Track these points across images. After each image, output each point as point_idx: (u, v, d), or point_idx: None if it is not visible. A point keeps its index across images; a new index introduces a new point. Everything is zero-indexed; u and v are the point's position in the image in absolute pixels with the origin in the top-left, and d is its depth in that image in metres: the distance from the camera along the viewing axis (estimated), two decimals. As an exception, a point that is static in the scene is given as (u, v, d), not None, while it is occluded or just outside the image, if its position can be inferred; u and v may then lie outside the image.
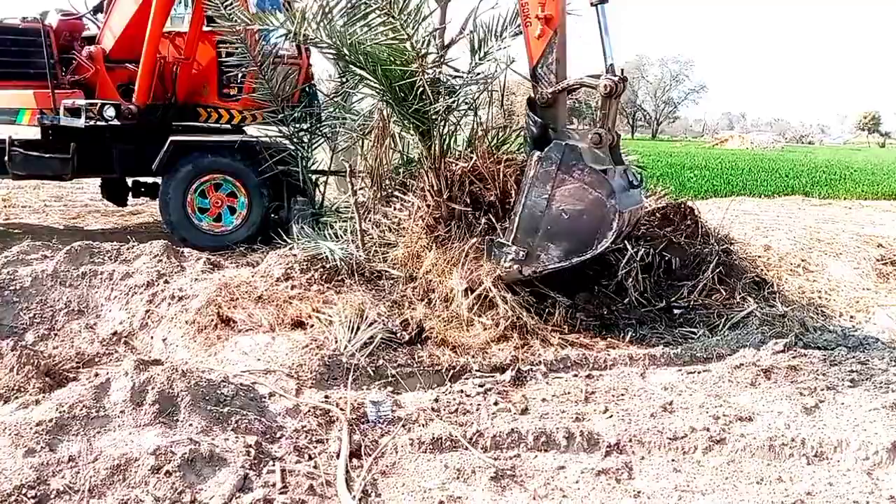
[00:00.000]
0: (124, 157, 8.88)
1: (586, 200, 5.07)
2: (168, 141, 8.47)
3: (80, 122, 8.29)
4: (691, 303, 6.31)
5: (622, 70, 5.27)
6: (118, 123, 8.44)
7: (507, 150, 6.44)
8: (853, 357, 5.00)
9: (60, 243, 6.56)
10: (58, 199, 12.31)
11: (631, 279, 6.24)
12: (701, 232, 7.05)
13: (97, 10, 9.26)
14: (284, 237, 6.83)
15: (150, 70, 8.59)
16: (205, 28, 8.74)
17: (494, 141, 6.53)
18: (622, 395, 4.41)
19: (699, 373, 4.77)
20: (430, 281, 5.61)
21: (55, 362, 4.79)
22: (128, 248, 6.45)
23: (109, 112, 8.36)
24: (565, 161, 5.09)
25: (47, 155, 8.58)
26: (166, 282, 5.95)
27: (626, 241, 6.56)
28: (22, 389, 4.23)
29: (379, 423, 3.91)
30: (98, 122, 8.32)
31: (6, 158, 8.35)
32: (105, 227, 10.08)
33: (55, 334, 5.47)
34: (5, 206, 11.32)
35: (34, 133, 8.93)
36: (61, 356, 4.98)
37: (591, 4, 5.23)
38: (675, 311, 6.18)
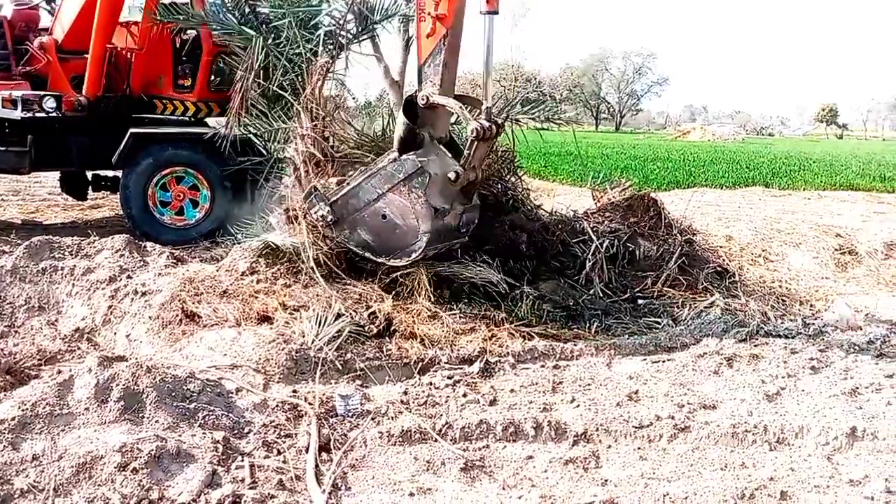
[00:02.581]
0: (83, 150, 8.69)
1: (406, 222, 5.21)
2: (128, 133, 8.32)
3: (17, 115, 8.10)
4: (655, 293, 6.41)
5: (496, 114, 5.32)
6: (61, 115, 8.25)
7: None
8: (813, 345, 5.11)
9: (19, 238, 6.43)
10: (15, 193, 12.02)
11: (596, 270, 6.31)
12: (664, 223, 7.16)
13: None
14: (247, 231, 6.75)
15: (100, 61, 8.40)
16: (157, 18, 8.60)
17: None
18: (589, 384, 4.46)
19: (664, 362, 4.85)
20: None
21: (16, 360, 4.68)
22: (89, 243, 6.34)
23: (50, 104, 8.17)
24: (410, 180, 5.15)
25: (3, 148, 8.37)
26: (129, 277, 5.85)
27: (591, 233, 6.65)
28: (-19, 388, 4.14)
29: (348, 416, 3.91)
30: (37, 114, 8.13)
31: None
32: (65, 222, 9.88)
33: (15, 331, 5.35)
34: (-40, 201, 11.03)
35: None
36: (22, 354, 4.87)
37: (480, 13, 5.05)
38: (640, 302, 6.26)
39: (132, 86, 8.76)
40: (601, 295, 6.19)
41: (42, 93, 8.26)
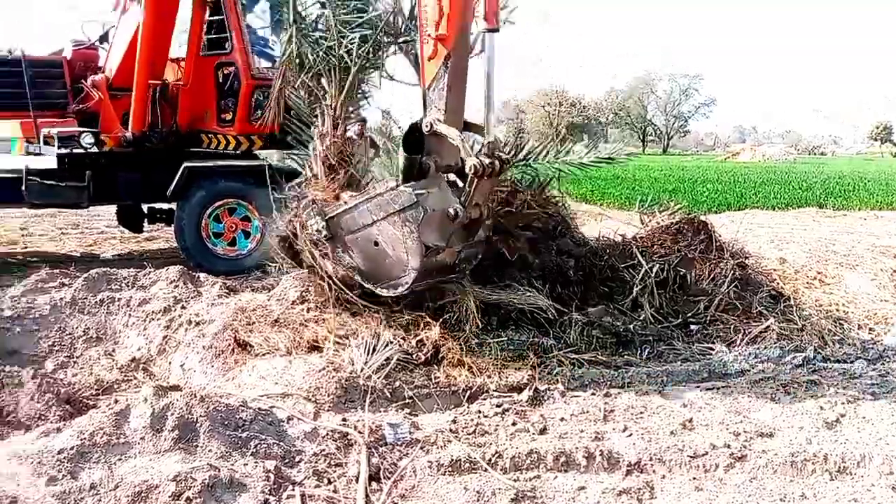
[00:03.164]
0: (138, 184, 8.97)
1: (396, 253, 4.92)
2: (182, 167, 8.55)
3: (53, 152, 8.40)
4: (708, 318, 6.28)
5: (502, 146, 4.92)
6: (108, 151, 8.59)
7: None
8: (873, 370, 4.97)
9: (78, 271, 6.61)
10: (74, 226, 12.42)
11: (646, 295, 6.22)
12: (715, 246, 7.02)
13: (103, 38, 9.40)
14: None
15: (143, 97, 8.64)
16: (202, 53, 8.82)
17: None
18: (641, 412, 4.38)
19: (718, 389, 4.75)
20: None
21: (75, 390, 4.82)
22: (144, 275, 6.50)
23: (87, 140, 8.47)
24: (404, 212, 4.81)
25: (63, 183, 8.68)
26: (183, 307, 5.98)
27: (640, 257, 6.57)
28: (42, 417, 4.27)
29: (397, 445, 3.91)
30: (75, 150, 8.43)
31: (23, 188, 8.45)
32: (122, 254, 10.17)
33: (74, 362, 5.50)
34: (23, 236, 11.43)
35: (51, 162, 9.05)
36: (81, 383, 5.01)
37: (481, 32, 4.83)
38: (692, 327, 6.15)
39: (179, 120, 8.99)
40: (652, 320, 6.10)
41: (80, 129, 8.56)
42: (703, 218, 7.45)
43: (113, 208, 10.76)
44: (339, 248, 5.22)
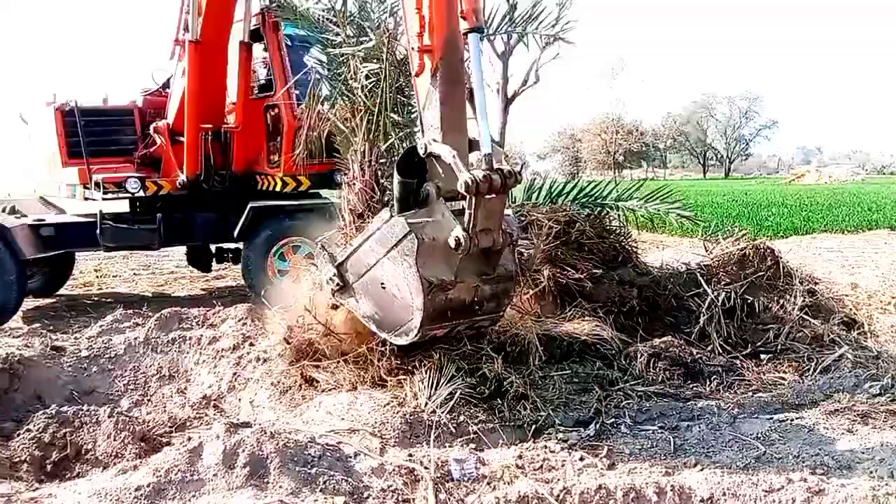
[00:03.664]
0: (206, 225, 9.25)
1: (401, 293, 4.36)
2: (247, 207, 8.80)
3: (99, 196, 8.79)
4: (778, 347, 6.13)
5: (504, 159, 4.34)
6: (143, 195, 8.98)
7: None
8: (957, 398, 4.75)
9: (150, 311, 6.84)
10: (146, 267, 12.87)
11: (713, 325, 6.12)
12: (783, 273, 6.88)
13: (165, 86, 9.79)
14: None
15: (194, 142, 8.90)
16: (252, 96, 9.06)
17: None
18: (712, 446, 4.28)
19: (792, 420, 4.61)
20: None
21: (149, 427, 4.95)
22: (214, 313, 6.69)
23: (133, 185, 8.78)
24: (400, 245, 4.29)
25: (135, 227, 9.04)
26: (251, 344, 6.12)
27: (705, 286, 6.47)
28: (119, 455, 4.40)
29: (464, 481, 3.90)
30: (122, 196, 8.84)
31: (98, 232, 8.81)
32: (191, 293, 10.47)
33: (148, 400, 5.67)
34: (98, 277, 11.88)
35: (123, 206, 9.45)
36: (155, 421, 5.14)
37: (463, 33, 4.33)
38: (762, 357, 6.00)
39: (235, 163, 9.22)
40: (720, 351, 5.99)
41: (128, 175, 8.93)
42: (769, 244, 7.30)
43: (182, 249, 11.10)
44: (352, 296, 4.75)
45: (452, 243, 4.20)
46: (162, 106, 9.73)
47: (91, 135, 9.20)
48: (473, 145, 4.38)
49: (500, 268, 4.52)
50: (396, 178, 4.46)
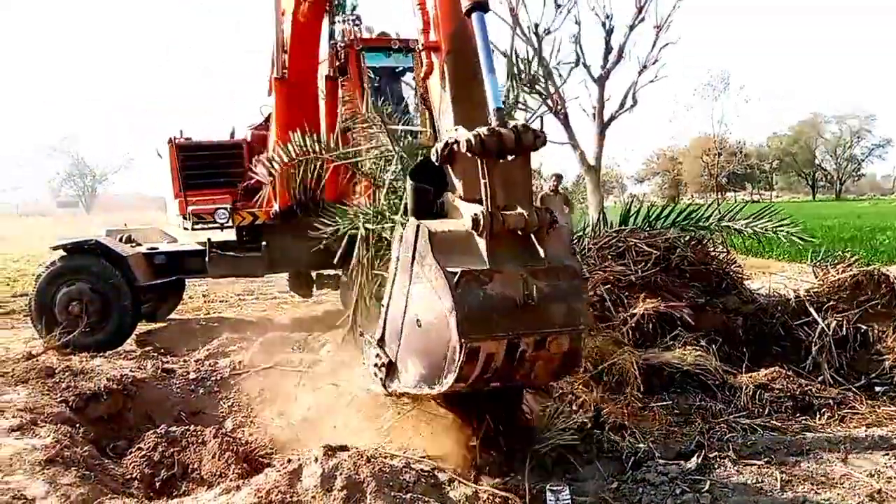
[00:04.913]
0: (308, 252, 9.51)
1: (434, 311, 3.47)
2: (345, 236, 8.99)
3: (188, 225, 9.16)
4: (894, 379, 5.78)
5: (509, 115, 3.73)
6: (230, 225, 9.22)
7: None
8: None
9: (254, 335, 7.08)
10: (250, 293, 13.34)
11: (824, 355, 5.84)
12: (900, 300, 6.49)
13: (267, 120, 10.17)
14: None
15: (284, 173, 9.15)
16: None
17: None
18: (822, 483, 4.06)
19: (910, 457, 4.32)
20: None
21: (251, 448, 5.11)
22: (313, 338, 6.85)
23: (222, 216, 9.08)
24: (419, 249, 3.53)
25: (242, 255, 9.39)
26: (349, 369, 6.22)
27: (815, 314, 6.17)
28: (223, 475, 4.56)
29: (559, 511, 3.84)
30: (206, 228, 9.12)
31: (206, 259, 9.21)
32: (293, 318, 10.77)
33: (251, 421, 5.85)
34: (206, 302, 12.41)
35: (230, 235, 9.84)
36: (256, 443, 5.31)
37: (465, 13, 3.74)
38: (878, 389, 5.68)
39: (326, 193, 9.45)
40: (831, 382, 5.69)
41: (217, 206, 9.26)
42: (883, 269, 6.92)
43: (285, 275, 11.46)
44: (400, 372, 3.84)
45: (469, 223, 3.45)
46: (267, 140, 10.14)
47: (201, 168, 9.67)
48: None
49: (552, 258, 3.52)
50: (409, 184, 3.96)
